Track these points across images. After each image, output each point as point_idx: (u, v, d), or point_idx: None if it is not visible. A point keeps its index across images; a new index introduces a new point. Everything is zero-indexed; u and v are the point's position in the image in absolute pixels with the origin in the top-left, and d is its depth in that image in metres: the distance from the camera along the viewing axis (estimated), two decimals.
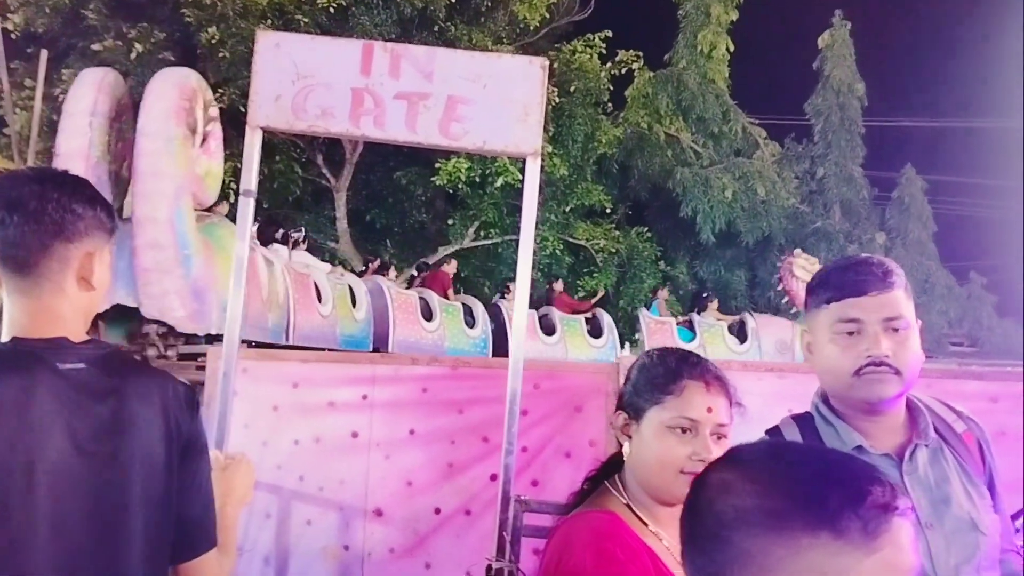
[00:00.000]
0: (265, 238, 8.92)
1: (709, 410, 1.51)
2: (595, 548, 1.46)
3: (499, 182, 13.24)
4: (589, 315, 11.79)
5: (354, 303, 9.29)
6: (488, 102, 2.55)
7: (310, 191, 15.54)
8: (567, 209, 15.30)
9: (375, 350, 9.08)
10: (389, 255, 15.91)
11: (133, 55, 12.37)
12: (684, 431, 1.51)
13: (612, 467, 1.65)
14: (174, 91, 5.70)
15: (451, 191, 14.38)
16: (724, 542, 0.81)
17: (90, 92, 5.57)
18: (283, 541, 3.67)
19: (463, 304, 10.92)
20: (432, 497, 3.63)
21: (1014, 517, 2.54)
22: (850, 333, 1.66)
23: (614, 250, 15.86)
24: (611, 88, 15.44)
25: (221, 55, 12.15)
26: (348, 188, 14.79)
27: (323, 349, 7.57)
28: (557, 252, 15.04)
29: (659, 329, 11.30)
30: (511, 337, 2.64)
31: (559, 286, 12.91)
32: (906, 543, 0.79)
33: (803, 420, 1.84)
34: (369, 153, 14.53)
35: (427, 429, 3.65)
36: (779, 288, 11.48)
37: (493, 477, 3.50)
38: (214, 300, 5.72)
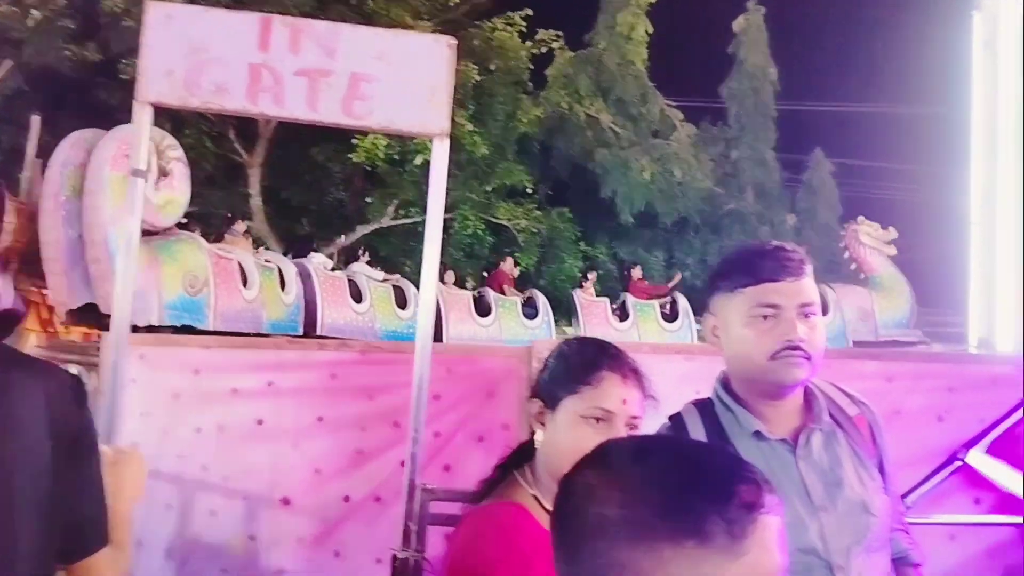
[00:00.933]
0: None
1: (624, 402, 1.50)
2: (500, 542, 1.43)
3: (418, 160, 13.08)
4: (666, 300, 11.84)
5: (283, 287, 9.21)
6: (393, 81, 2.47)
7: (222, 167, 15.05)
8: (489, 189, 15.25)
9: (305, 335, 8.99)
10: (305, 233, 15.58)
11: (30, 22, 11.70)
12: (598, 421, 1.49)
13: (522, 455, 1.63)
14: (113, 144, 7.05)
15: (369, 168, 14.14)
16: (591, 551, 0.78)
17: (64, 147, 7.25)
18: (186, 533, 3.54)
19: (393, 287, 10.85)
20: (341, 485, 3.55)
21: (904, 495, 2.65)
22: (765, 317, 1.67)
23: (535, 230, 15.90)
24: (531, 67, 15.40)
25: (125, 24, 11.60)
26: (262, 164, 14.39)
27: (249, 334, 7.47)
28: (479, 232, 15.00)
29: (593, 309, 11.40)
30: (419, 321, 2.58)
31: (637, 272, 12.98)
32: (772, 542, 0.77)
33: (704, 406, 1.85)
34: (284, 129, 14.16)
35: (336, 415, 3.57)
36: (846, 256, 11.75)
37: (404, 464, 3.45)
38: (155, 298, 7.17)
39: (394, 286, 10.79)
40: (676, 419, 1.85)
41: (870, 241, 11.47)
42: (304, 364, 3.61)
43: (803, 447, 1.70)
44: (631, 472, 0.82)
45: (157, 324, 7.18)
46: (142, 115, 2.46)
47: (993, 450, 2.68)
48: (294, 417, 3.57)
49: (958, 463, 2.51)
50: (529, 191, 15.85)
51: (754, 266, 1.71)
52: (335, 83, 2.45)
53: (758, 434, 1.72)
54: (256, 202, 14.43)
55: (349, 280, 10.13)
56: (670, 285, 12.89)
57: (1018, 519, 2.70)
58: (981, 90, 6.80)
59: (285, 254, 10.75)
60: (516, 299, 11.37)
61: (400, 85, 2.46)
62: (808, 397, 1.76)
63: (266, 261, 9.49)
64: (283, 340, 4.56)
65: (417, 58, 2.49)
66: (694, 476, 0.79)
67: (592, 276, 13.33)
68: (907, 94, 19.81)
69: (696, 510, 0.75)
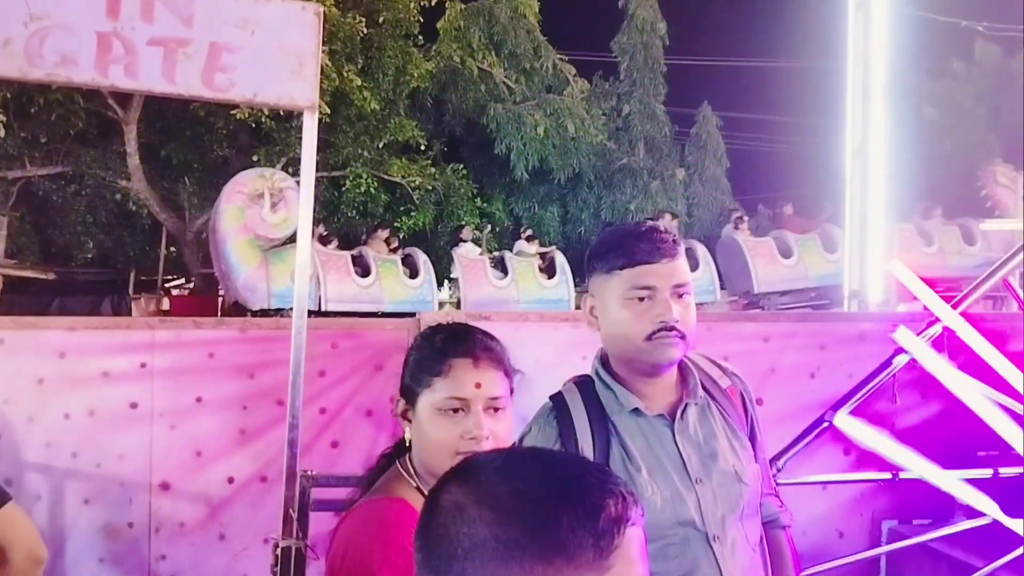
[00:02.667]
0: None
1: (478, 386, 1.48)
2: (382, 540, 1.41)
3: None
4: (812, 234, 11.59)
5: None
6: (257, 51, 2.34)
7: (95, 124, 14.15)
8: (380, 145, 14.89)
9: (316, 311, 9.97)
10: (188, 193, 14.91)
11: None
12: (455, 411, 1.47)
13: (405, 444, 1.60)
14: (232, 186, 10.33)
15: (255, 124, 13.58)
16: (460, 571, 0.77)
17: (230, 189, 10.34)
18: (57, 523, 3.37)
19: (405, 255, 11.40)
20: (224, 466, 3.45)
21: (775, 458, 2.77)
22: (641, 299, 1.69)
23: (431, 187, 15.67)
24: (421, 20, 15.01)
25: None
26: (139, 121, 13.59)
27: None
28: (372, 190, 14.66)
29: (472, 266, 11.40)
30: (296, 300, 2.49)
31: (789, 209, 12.69)
32: (636, 554, 0.78)
33: (583, 385, 1.86)
34: None
35: (216, 395, 3.45)
36: (982, 194, 12.13)
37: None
38: (264, 288, 9.94)
39: (404, 257, 11.44)
40: (557, 398, 1.86)
41: (1005, 182, 12.01)
42: (179, 344, 3.45)
43: (679, 421, 1.75)
44: (499, 489, 0.81)
45: (267, 308, 9.92)
46: None
47: (861, 408, 2.82)
48: (171, 399, 3.43)
49: (825, 424, 2.63)
50: (422, 147, 15.57)
51: (630, 248, 1.73)
52: (193, 53, 2.30)
53: (637, 411, 1.75)
54: (134, 161, 13.66)
55: (352, 256, 11.18)
56: (823, 217, 12.73)
57: (886, 475, 2.87)
58: (854, 46, 7.04)
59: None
60: (395, 258, 11.39)
61: (264, 55, 2.33)
62: (683, 372, 1.80)
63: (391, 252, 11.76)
64: (155, 320, 4.35)
65: (282, 27, 2.35)
66: (562, 491, 0.79)
67: (467, 233, 13.32)
68: (788, 49, 20.46)
69: (564, 526, 0.75)
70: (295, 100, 2.40)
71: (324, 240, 11.56)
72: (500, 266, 11.59)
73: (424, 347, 1.57)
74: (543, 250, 12.56)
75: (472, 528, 0.78)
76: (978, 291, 2.64)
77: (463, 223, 15.20)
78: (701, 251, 11.26)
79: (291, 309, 2.45)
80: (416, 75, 14.73)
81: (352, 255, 11.08)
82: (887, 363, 2.70)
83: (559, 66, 17.31)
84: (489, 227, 16.93)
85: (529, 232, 13.59)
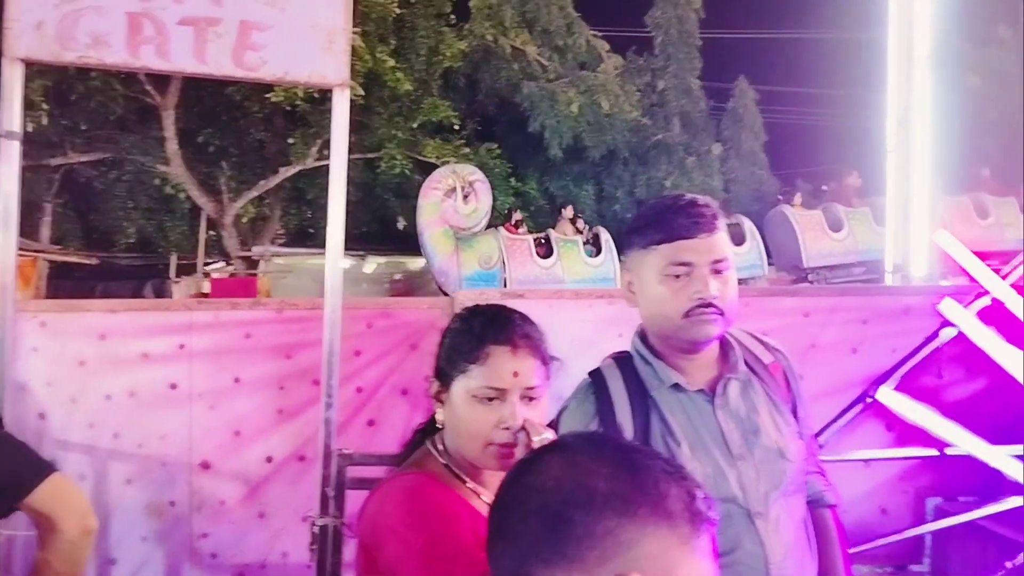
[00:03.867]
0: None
1: (515, 375, 1.45)
2: (408, 510, 1.41)
3: None
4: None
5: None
6: (287, 29, 2.33)
7: (134, 110, 14.34)
8: (414, 126, 14.89)
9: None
10: (226, 177, 15.07)
11: None
12: (491, 400, 1.45)
13: (436, 424, 1.60)
14: (430, 181, 11.42)
15: (290, 108, 13.65)
16: (569, 522, 0.80)
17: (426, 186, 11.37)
18: (101, 502, 3.44)
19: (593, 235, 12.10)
20: (262, 445, 3.48)
21: (818, 433, 2.71)
22: (678, 275, 1.66)
23: None
24: None
25: None
26: (176, 106, 13.74)
27: None
28: (406, 171, 14.69)
29: (516, 247, 11.52)
30: (327, 281, 2.49)
31: (854, 179, 12.67)
32: (711, 551, 0.82)
33: (623, 361, 1.84)
34: None
35: (253, 376, 3.47)
36: None
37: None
38: (456, 274, 10.82)
39: (731, 225, 11.54)
40: (595, 374, 1.84)
41: None
42: (216, 325, 3.48)
43: (720, 396, 1.72)
44: (611, 455, 0.86)
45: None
46: (12, 72, 2.26)
47: (905, 383, 2.75)
48: (209, 379, 3.46)
49: (868, 400, 2.56)
50: (456, 127, 15.53)
51: (667, 223, 1.70)
52: (224, 32, 2.30)
53: (677, 387, 1.73)
54: (172, 146, 13.84)
55: (543, 238, 12.06)
56: None
57: (931, 452, 2.80)
58: (897, 15, 6.83)
59: None
60: (577, 239, 11.95)
61: (294, 33, 2.32)
62: (724, 347, 1.77)
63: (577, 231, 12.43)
64: (193, 301, 4.40)
65: (312, 3, 2.34)
66: (665, 468, 0.84)
67: (517, 214, 13.37)
68: (827, 19, 19.95)
69: (671, 496, 0.80)
70: (326, 78, 2.38)
71: (516, 225, 12.64)
72: (546, 246, 11.70)
73: (461, 331, 1.54)
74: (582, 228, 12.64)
75: (589, 479, 0.82)
76: None
77: (508, 206, 15.19)
78: (748, 226, 11.19)
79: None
80: (449, 55, 14.69)
81: (539, 238, 11.97)
82: (932, 336, 2.63)
83: (592, 42, 17.13)
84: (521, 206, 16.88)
85: (571, 211, 13.57)
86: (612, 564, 0.77)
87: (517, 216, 13.13)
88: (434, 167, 15.49)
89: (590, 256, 11.64)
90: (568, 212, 12.93)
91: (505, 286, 10.63)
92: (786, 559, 1.65)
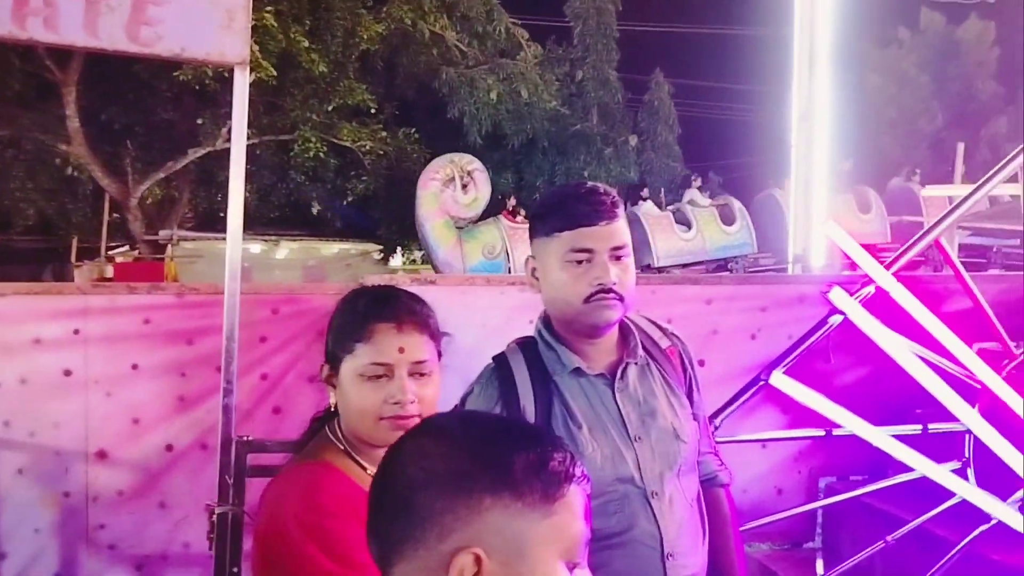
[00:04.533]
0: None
1: (401, 351, 1.46)
2: (305, 502, 1.40)
3: (251, 77, 12.31)
4: None
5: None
6: (185, 3, 2.26)
7: (34, 86, 13.63)
8: (330, 109, 14.60)
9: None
10: (132, 158, 14.50)
11: None
12: (379, 377, 1.45)
13: (333, 410, 1.59)
14: (428, 171, 11.51)
15: (199, 87, 13.22)
16: (412, 504, 0.82)
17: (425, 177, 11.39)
18: None
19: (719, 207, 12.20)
20: (162, 434, 3.39)
21: (714, 416, 2.81)
22: (579, 262, 1.70)
23: (382, 152, 15.44)
24: None
25: None
26: (78, 83, 13.12)
27: None
28: (321, 154, 14.40)
29: (659, 222, 11.69)
30: (228, 264, 2.43)
31: (848, 164, 12.68)
32: (579, 510, 0.84)
33: (526, 346, 1.87)
34: None
35: (152, 362, 3.38)
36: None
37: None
38: (459, 264, 10.76)
39: (719, 206, 12.02)
40: (499, 359, 1.87)
41: None
42: (113, 310, 3.37)
43: (620, 381, 1.77)
44: (456, 432, 0.88)
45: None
46: None
47: (797, 368, 2.88)
48: (106, 366, 3.35)
49: (762, 383, 2.67)
50: (373, 111, 15.30)
51: (569, 211, 1.73)
52: (116, 5, 2.21)
53: (578, 371, 1.77)
54: (73, 124, 13.20)
55: (675, 211, 12.17)
56: None
57: (819, 432, 2.93)
58: (800, 15, 7.08)
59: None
60: (712, 208, 12.15)
61: (192, 8, 2.25)
62: (624, 333, 1.82)
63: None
64: (88, 286, 4.24)
65: None
66: (516, 437, 0.86)
67: (512, 200, 13.43)
68: (738, 16, 20.51)
69: (516, 466, 0.81)
70: (225, 56, 2.32)
71: (513, 212, 12.62)
72: (683, 220, 11.77)
73: (346, 311, 1.54)
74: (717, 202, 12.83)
75: (427, 461, 0.84)
76: (909, 252, 2.69)
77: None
78: (738, 206, 12.03)
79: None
80: (366, 37, 14.43)
81: (671, 211, 12.13)
82: (822, 323, 2.75)
83: (512, 30, 17.09)
84: None
85: (700, 182, 13.62)
86: (452, 539, 0.79)
87: (512, 202, 13.13)
88: (350, 151, 15.28)
89: None
90: (511, 202, 13.07)
91: (654, 262, 11.10)
92: (679, 536, 1.72)
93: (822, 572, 3.51)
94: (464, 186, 11.29)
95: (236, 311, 2.34)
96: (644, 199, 12.63)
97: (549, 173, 18.37)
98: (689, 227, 11.87)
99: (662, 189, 14.68)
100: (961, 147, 11.92)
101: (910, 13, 19.83)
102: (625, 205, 13.08)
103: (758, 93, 19.14)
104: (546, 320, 1.87)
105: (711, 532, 1.86)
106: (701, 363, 3.42)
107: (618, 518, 1.69)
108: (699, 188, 13.36)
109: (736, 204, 11.84)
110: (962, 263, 2.95)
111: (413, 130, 16.24)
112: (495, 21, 16.82)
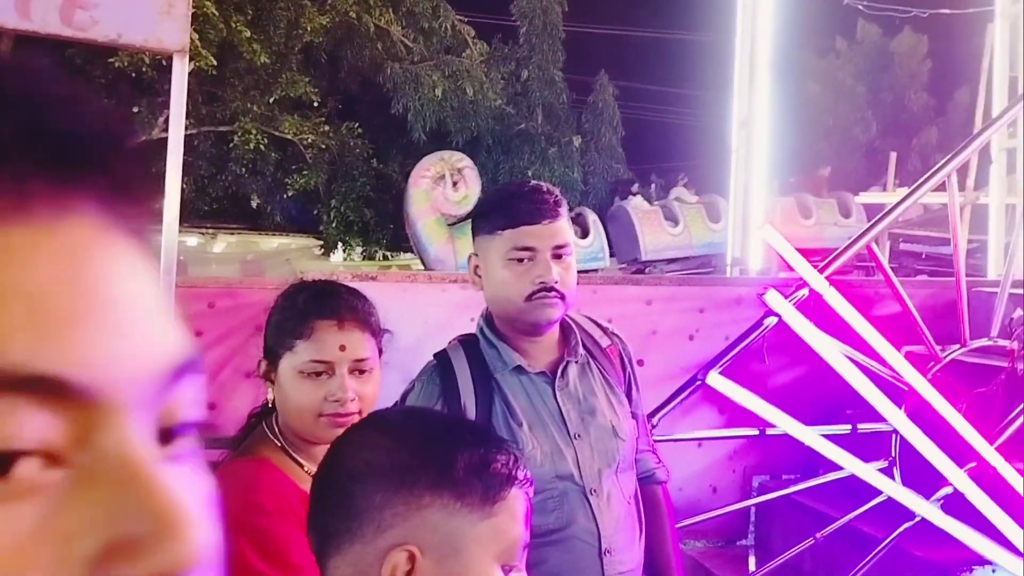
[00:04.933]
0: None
1: (342, 348, 1.45)
2: (240, 501, 1.37)
3: (191, 67, 12.02)
4: None
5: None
6: None
7: None
8: (271, 101, 14.36)
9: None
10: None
11: None
12: (318, 375, 1.43)
13: (270, 406, 1.57)
14: (418, 168, 11.29)
15: (135, 74, 12.86)
16: (352, 497, 0.81)
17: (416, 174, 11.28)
18: None
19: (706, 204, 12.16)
20: None
21: (652, 414, 2.85)
22: (521, 260, 1.71)
23: (324, 146, 15.25)
24: None
25: None
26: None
27: None
28: (262, 147, 14.15)
29: (648, 217, 11.73)
30: (163, 256, 2.37)
31: (827, 171, 13.08)
32: (519, 514, 0.84)
33: (468, 344, 1.88)
34: None
35: None
36: None
37: None
38: (452, 262, 10.46)
39: (706, 203, 12.05)
40: (441, 356, 1.87)
41: None
42: None
43: (560, 379, 1.79)
44: (402, 426, 0.88)
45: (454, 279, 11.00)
46: None
47: (733, 368, 2.94)
48: None
49: (698, 383, 2.72)
50: (316, 104, 15.10)
51: (511, 209, 1.74)
52: None
53: (519, 369, 1.78)
54: None
55: (663, 207, 12.12)
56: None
57: (752, 431, 3.00)
58: (742, 20, 7.22)
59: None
60: (699, 204, 12.13)
61: None
62: (565, 331, 1.84)
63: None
64: None
65: None
66: (461, 437, 0.85)
67: (636, 187, 13.38)
68: (683, 20, 20.81)
69: (459, 465, 0.81)
70: (163, 43, 2.26)
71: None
72: (670, 215, 12.02)
73: (286, 307, 1.52)
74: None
75: (371, 453, 0.84)
76: (842, 257, 2.77)
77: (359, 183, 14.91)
78: (592, 218, 11.64)
79: None
80: (309, 29, 14.22)
81: (661, 206, 12.16)
82: (757, 325, 2.81)
83: (458, 27, 17.06)
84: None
85: (686, 179, 13.66)
86: (389, 535, 0.79)
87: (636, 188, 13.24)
88: (291, 144, 15.04)
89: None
90: (683, 179, 13.22)
91: (641, 256, 11.25)
92: (617, 533, 1.74)
93: (754, 568, 3.59)
94: (455, 183, 11.34)
95: (171, 305, 2.28)
96: (634, 194, 12.75)
97: (493, 171, 18.37)
98: (676, 223, 12.03)
99: (653, 185, 14.78)
100: (894, 156, 12.28)
101: (847, 24, 20.41)
102: (612, 199, 13.32)
103: (701, 98, 19.46)
104: (488, 318, 1.88)
105: (648, 529, 1.89)
106: (640, 363, 3.47)
107: (556, 515, 1.71)
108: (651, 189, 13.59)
109: (591, 216, 12.12)
110: (894, 268, 3.05)
111: (356, 125, 16.09)
112: (441, 18, 16.75)
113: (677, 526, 3.27)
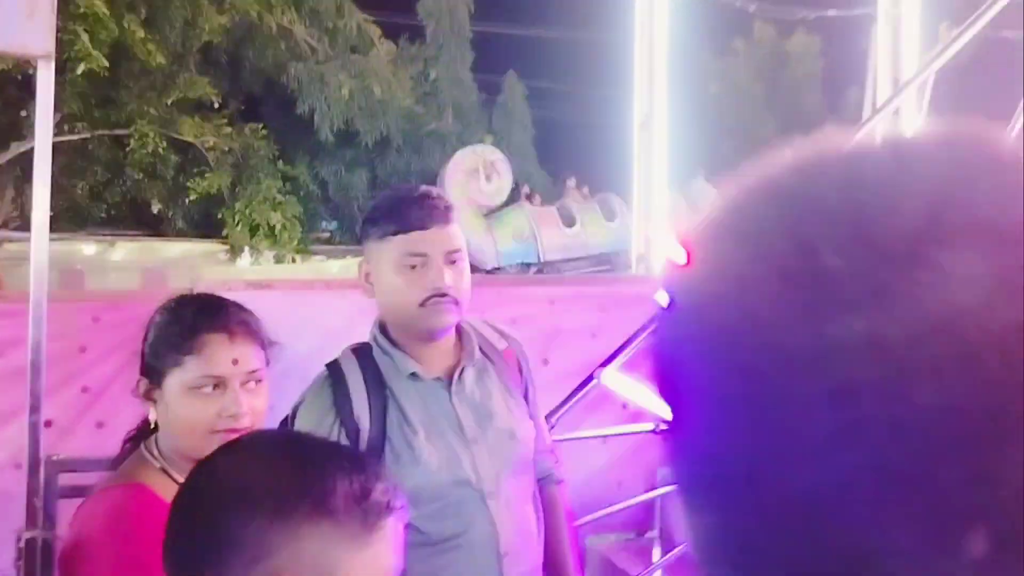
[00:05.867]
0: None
1: (235, 362, 1.43)
2: (112, 531, 1.34)
3: (80, 68, 11.52)
4: None
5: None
6: None
7: None
8: (169, 103, 13.89)
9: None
10: None
11: None
12: (213, 388, 1.40)
13: (150, 426, 1.51)
14: (453, 164, 12.15)
15: (20, 77, 12.24)
16: (220, 524, 0.78)
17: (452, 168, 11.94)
18: None
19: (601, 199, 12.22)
20: None
21: (549, 416, 2.87)
22: (414, 266, 1.70)
23: (227, 148, 14.84)
24: None
25: None
26: None
27: None
28: (160, 150, 13.68)
29: (545, 217, 12.01)
30: (33, 271, 2.26)
31: (572, 181, 13.28)
32: (394, 543, 0.83)
33: (361, 351, 1.86)
34: None
35: None
36: None
37: (48, 423, 3.09)
38: (492, 249, 10.98)
39: (601, 201, 12.19)
40: (333, 366, 1.84)
41: None
42: None
43: (456, 383, 1.78)
44: (278, 451, 0.85)
45: (497, 266, 11.33)
46: None
47: (633, 365, 2.99)
48: None
49: (595, 382, 2.76)
50: (217, 106, 14.68)
51: (402, 214, 1.73)
52: None
53: (414, 375, 1.77)
54: None
55: (560, 207, 12.49)
56: None
57: (648, 426, 3.06)
58: (639, 23, 7.34)
59: None
60: (594, 204, 12.33)
61: None
62: (460, 336, 1.84)
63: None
64: None
65: None
66: (341, 464, 0.83)
67: (526, 188, 13.47)
68: (584, 20, 21.09)
69: (338, 493, 0.79)
70: (27, 48, 2.16)
71: (529, 198, 12.82)
72: (567, 216, 12.17)
73: (171, 322, 1.48)
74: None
75: (245, 479, 0.81)
76: None
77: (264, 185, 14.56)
78: (617, 202, 12.12)
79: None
80: (208, 28, 13.83)
81: (556, 207, 12.40)
82: (651, 322, 2.87)
83: (363, 27, 16.86)
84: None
85: (575, 180, 13.90)
86: (263, 565, 0.77)
87: (526, 190, 13.31)
88: (192, 147, 14.58)
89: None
90: (526, 189, 13.39)
91: (540, 258, 11.63)
92: (515, 535, 1.75)
93: (657, 559, 3.67)
94: (488, 176, 11.94)
95: (43, 320, 2.18)
96: (528, 197, 13.00)
97: (404, 172, 18.25)
98: (572, 223, 12.21)
99: (567, 184, 14.94)
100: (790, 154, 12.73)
101: (745, 25, 21.06)
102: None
103: (606, 98, 19.76)
104: (381, 325, 1.87)
105: (547, 529, 1.91)
106: (544, 362, 3.51)
107: (454, 521, 1.71)
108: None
109: (616, 200, 12.30)
110: None
111: (261, 126, 15.72)
112: (346, 17, 16.53)
113: (583, 521, 3.33)
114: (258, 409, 1.47)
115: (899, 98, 3.29)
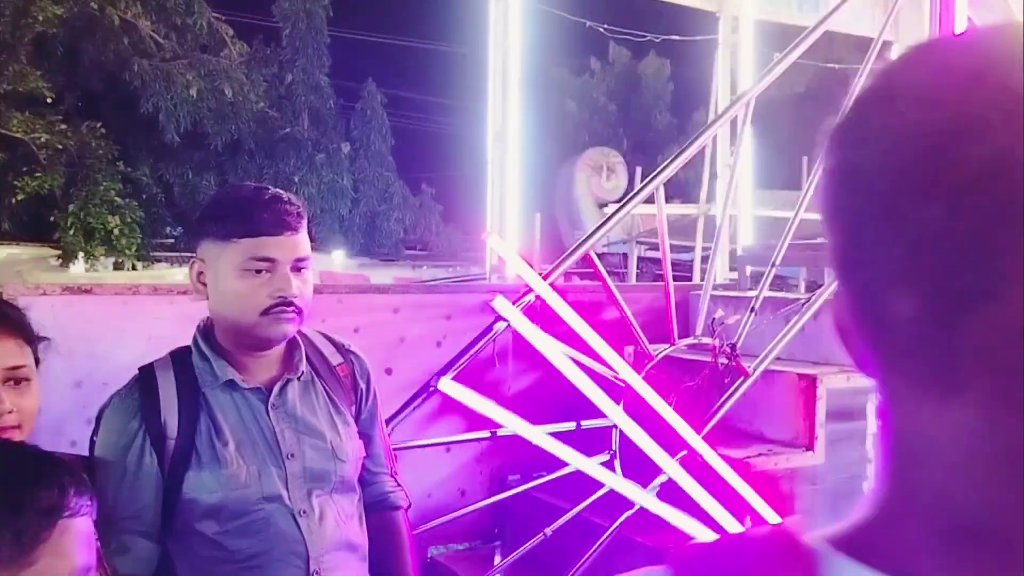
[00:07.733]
0: None
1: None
2: None
3: None
4: None
5: None
6: None
7: None
8: None
9: None
10: None
11: None
12: (259, 272, 1.51)
13: None
14: (583, 159, 13.91)
15: None
16: None
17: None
18: None
19: None
20: None
21: (389, 420, 2.85)
22: (259, 271, 1.62)
23: (61, 146, 13.89)
24: None
25: None
26: None
27: None
28: None
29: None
30: None
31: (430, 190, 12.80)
32: (71, 545, 0.77)
33: (179, 356, 1.77)
34: None
35: None
36: None
37: None
38: (603, 238, 9.90)
39: None
40: (146, 370, 1.75)
41: None
42: None
43: (276, 396, 1.72)
44: None
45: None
46: None
47: (469, 373, 3.01)
48: None
49: (432, 389, 2.76)
50: (50, 101, 13.73)
51: (252, 218, 1.65)
52: None
53: (232, 383, 1.69)
54: None
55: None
56: None
57: (485, 433, 3.09)
58: (494, 35, 7.45)
59: None
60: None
61: None
62: (290, 347, 1.77)
63: None
64: None
65: None
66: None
67: None
68: (445, 32, 21.24)
69: None
70: None
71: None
72: None
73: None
74: None
75: None
76: (563, 265, 2.94)
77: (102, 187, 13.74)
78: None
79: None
80: (41, 19, 12.93)
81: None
82: (487, 330, 2.90)
83: (215, 25, 16.26)
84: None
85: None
86: None
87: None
88: (21, 143, 13.55)
89: None
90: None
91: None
92: (327, 553, 1.69)
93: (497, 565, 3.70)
94: (608, 175, 13.53)
95: None
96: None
97: (256, 176, 17.69)
98: None
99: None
100: (639, 171, 13.27)
101: (600, 45, 21.80)
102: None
103: (463, 109, 19.94)
104: (206, 329, 1.79)
105: (384, 556, 1.86)
106: (389, 371, 3.48)
107: (262, 538, 1.65)
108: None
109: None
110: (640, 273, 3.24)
111: (99, 124, 14.83)
112: (196, 14, 15.89)
113: (424, 528, 3.31)
114: (26, 408, 1.39)
115: (734, 108, 3.54)
